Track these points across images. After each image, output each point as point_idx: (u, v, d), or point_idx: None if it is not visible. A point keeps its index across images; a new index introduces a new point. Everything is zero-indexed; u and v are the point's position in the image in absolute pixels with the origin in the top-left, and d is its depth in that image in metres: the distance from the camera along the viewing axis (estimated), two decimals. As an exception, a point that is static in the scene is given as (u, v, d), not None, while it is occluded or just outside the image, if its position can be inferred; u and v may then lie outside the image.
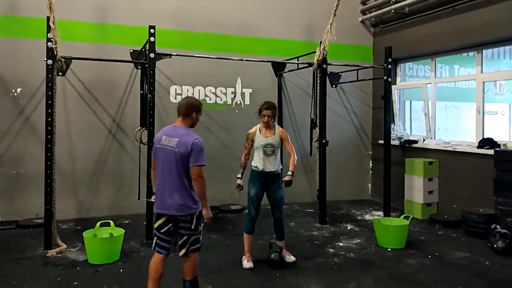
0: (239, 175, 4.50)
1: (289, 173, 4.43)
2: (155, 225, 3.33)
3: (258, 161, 4.45)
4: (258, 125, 4.56)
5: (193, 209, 3.24)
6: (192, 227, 3.25)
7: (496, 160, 5.22)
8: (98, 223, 4.66)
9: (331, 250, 4.97)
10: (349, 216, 6.61)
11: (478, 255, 4.78)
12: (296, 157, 4.51)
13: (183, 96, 6.78)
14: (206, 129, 6.90)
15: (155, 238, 3.35)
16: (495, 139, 5.80)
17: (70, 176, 6.27)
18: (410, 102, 7.98)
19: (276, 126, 4.58)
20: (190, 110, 3.34)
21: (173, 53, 5.57)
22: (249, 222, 4.47)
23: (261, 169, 4.42)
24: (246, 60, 6.18)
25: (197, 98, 6.84)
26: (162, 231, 3.28)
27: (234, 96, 7.12)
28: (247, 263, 4.41)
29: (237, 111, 7.10)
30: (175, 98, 6.72)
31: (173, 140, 3.22)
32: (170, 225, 3.27)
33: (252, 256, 4.49)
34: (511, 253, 4.74)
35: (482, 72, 6.26)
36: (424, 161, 6.50)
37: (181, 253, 3.30)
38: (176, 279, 3.94)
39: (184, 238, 3.27)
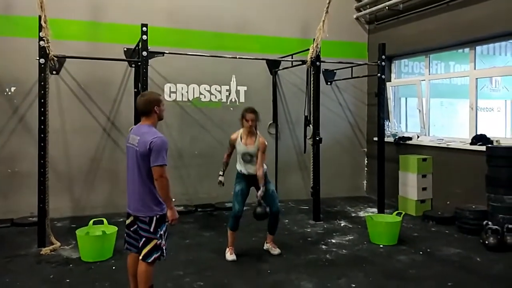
0: (220, 172, 4.81)
1: (262, 189, 4.44)
2: (126, 223, 3.31)
3: (239, 165, 4.66)
4: (241, 130, 4.62)
5: (154, 211, 3.13)
6: (151, 230, 3.12)
7: (488, 156, 5.25)
8: (91, 221, 4.68)
9: (323, 246, 5.00)
10: (343, 213, 6.63)
11: (470, 251, 4.80)
12: (264, 170, 4.50)
13: (177, 94, 6.82)
14: (201, 127, 6.93)
15: (125, 235, 3.33)
16: (488, 136, 5.81)
17: (65, 174, 6.29)
18: (406, 99, 7.99)
19: (258, 134, 4.60)
20: (150, 105, 3.20)
21: (166, 51, 5.55)
22: (233, 219, 4.56)
23: (243, 172, 4.62)
24: (239, 58, 6.16)
25: (189, 95, 6.89)
26: (131, 229, 3.26)
27: (229, 94, 7.13)
28: (230, 256, 4.54)
29: (232, 108, 7.10)
30: (169, 96, 6.76)
31: (136, 139, 3.13)
32: (136, 225, 3.21)
33: (236, 250, 4.61)
34: (502, 249, 4.76)
35: (475, 68, 6.27)
36: (418, 158, 6.52)
37: (141, 256, 3.15)
38: (168, 277, 3.98)
39: (143, 240, 3.15)
